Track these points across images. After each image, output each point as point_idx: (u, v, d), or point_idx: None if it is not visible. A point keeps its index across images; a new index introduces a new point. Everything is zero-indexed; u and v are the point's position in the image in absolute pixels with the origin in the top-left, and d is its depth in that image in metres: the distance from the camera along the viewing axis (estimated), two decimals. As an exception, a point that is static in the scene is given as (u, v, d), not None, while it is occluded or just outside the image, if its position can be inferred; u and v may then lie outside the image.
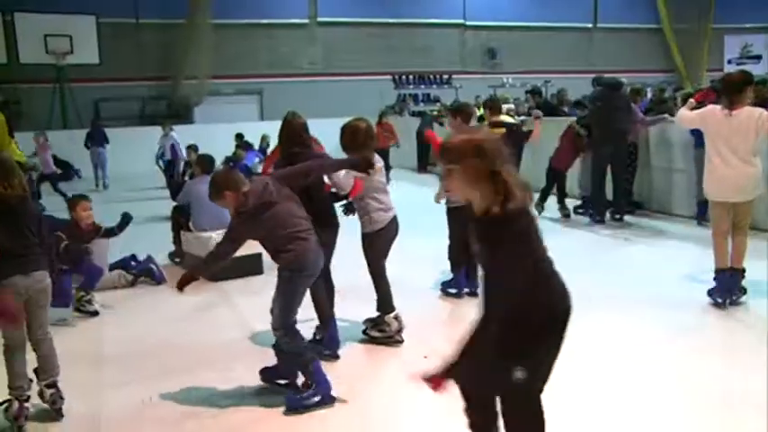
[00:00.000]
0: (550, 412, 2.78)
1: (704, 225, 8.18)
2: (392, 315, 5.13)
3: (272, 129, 18.77)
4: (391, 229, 5.08)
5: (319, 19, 24.66)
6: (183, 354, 5.12)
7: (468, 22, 26.04)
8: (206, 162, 8.20)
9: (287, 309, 4.12)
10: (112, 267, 7.02)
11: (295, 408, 4.09)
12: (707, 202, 7.78)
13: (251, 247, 6.89)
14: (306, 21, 24.56)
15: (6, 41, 19.21)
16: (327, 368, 4.39)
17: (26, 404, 4.02)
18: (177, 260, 7.94)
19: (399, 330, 5.13)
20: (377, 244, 5.06)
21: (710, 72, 23.44)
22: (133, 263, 7.20)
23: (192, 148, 11.95)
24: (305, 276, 4.17)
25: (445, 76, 25.80)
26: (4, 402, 4.06)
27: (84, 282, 6.19)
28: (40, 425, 4.07)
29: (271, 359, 4.42)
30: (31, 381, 4.09)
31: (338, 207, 5.21)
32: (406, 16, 25.11)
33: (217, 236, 7.04)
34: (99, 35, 19.85)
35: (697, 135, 8.01)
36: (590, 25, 27.43)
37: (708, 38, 26.46)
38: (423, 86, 25.71)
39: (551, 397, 2.78)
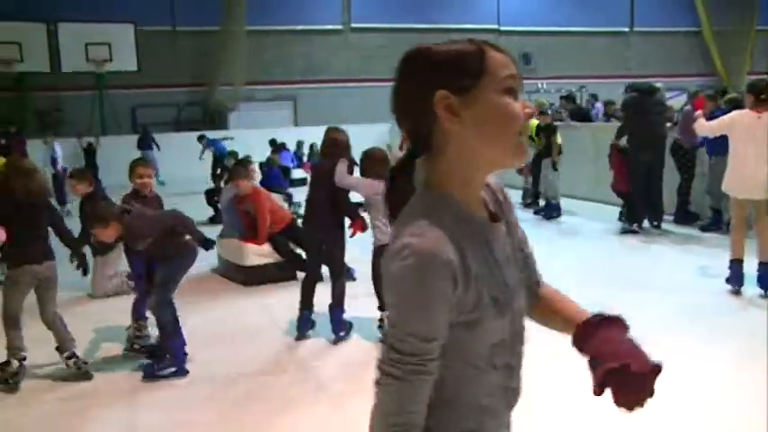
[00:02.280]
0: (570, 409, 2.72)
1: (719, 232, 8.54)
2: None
3: (307, 134, 19.06)
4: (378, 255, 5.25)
5: (353, 25, 24.76)
6: (212, 360, 5.12)
7: (502, 27, 25.91)
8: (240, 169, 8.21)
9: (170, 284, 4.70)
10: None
11: (150, 376, 4.62)
12: (719, 211, 8.55)
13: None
14: (340, 27, 24.68)
15: (50, 51, 19.65)
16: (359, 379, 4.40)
17: (23, 363, 4.60)
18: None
19: None
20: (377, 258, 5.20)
21: (753, 75, 22.88)
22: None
23: (231, 154, 12.00)
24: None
25: (481, 82, 25.70)
26: (3, 363, 4.59)
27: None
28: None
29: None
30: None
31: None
32: (440, 22, 25.05)
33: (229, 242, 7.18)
34: (137, 43, 20.19)
35: (710, 145, 8.40)
36: (626, 29, 27.08)
37: (752, 40, 25.88)
38: (457, 91, 25.63)
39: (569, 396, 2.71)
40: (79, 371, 4.67)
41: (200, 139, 15.54)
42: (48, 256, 4.64)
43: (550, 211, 10.57)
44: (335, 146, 5.39)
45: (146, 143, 18.19)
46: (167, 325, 4.69)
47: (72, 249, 4.98)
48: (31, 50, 19.30)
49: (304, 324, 5.43)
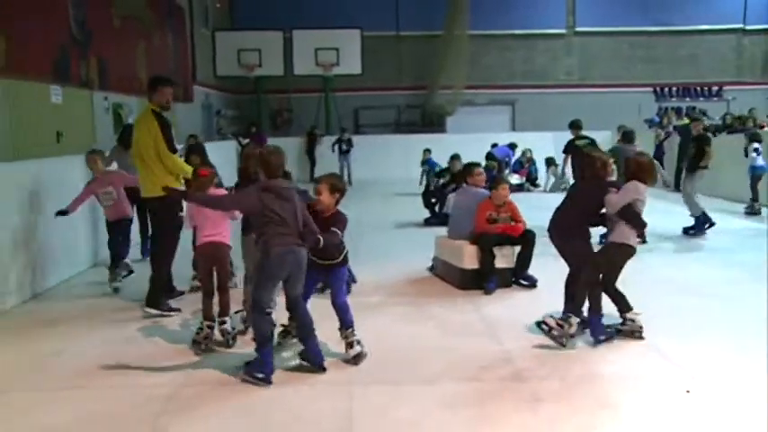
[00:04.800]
0: None
1: None
2: (576, 319, 5.18)
3: (524, 140, 18.74)
4: (624, 251, 5.20)
5: (577, 29, 23.93)
6: (424, 361, 5.03)
7: (747, 26, 23.55)
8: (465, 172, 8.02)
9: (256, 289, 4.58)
10: None
11: (246, 374, 4.53)
12: None
13: (504, 260, 6.82)
14: (563, 31, 23.96)
15: (285, 56, 21.11)
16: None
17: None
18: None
19: (570, 335, 5.17)
20: (610, 250, 5.25)
21: None
22: None
23: (456, 157, 11.98)
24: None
25: (715, 88, 23.63)
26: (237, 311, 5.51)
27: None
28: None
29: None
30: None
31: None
32: (673, 24, 23.41)
33: (460, 244, 7.00)
34: (362, 47, 21.01)
35: None
36: None
37: None
38: (687, 99, 23.81)
39: None
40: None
41: (424, 164, 15.25)
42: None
43: (697, 227, 9.69)
44: (593, 167, 5.36)
45: (346, 149, 19.18)
46: (256, 330, 4.58)
47: None
48: (268, 56, 20.86)
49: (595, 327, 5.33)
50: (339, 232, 4.81)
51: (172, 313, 6.12)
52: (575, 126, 11.08)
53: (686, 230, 9.73)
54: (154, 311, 6.07)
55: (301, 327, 4.74)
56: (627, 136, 10.17)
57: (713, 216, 9.73)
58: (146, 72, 13.40)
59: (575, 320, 5.14)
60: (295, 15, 21.64)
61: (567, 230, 5.39)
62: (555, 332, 5.17)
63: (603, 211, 5.27)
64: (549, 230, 5.52)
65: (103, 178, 7.01)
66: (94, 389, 4.53)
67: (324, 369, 4.69)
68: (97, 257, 8.47)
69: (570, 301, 5.33)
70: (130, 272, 7.10)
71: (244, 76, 21.01)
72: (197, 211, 5.25)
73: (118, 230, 7.17)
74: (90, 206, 7.93)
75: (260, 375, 4.48)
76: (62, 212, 6.75)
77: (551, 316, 5.31)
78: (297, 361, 4.80)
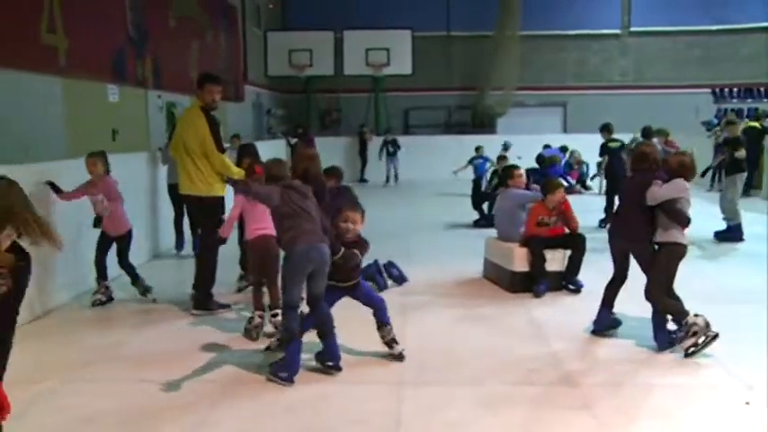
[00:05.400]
0: None
1: None
2: (692, 314, 4.98)
3: (575, 141, 18.39)
4: (675, 250, 5.07)
5: (632, 29, 23.45)
6: (474, 363, 4.97)
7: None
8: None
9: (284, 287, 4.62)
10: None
11: (271, 374, 4.55)
12: None
13: (554, 263, 6.71)
14: (618, 31, 23.51)
15: (335, 56, 21.19)
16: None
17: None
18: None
19: (708, 324, 4.94)
20: (662, 253, 5.11)
21: None
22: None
23: (503, 157, 11.88)
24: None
25: (780, 88, 22.85)
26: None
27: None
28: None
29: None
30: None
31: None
32: (734, 22, 22.71)
33: (510, 246, 6.92)
34: (413, 48, 20.94)
35: None
36: None
37: None
38: (749, 100, 23.03)
39: None
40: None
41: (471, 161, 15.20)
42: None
43: (731, 234, 9.44)
44: (645, 161, 5.29)
45: (393, 150, 19.04)
46: (285, 327, 4.61)
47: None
48: (319, 56, 20.97)
49: (601, 320, 5.46)
50: (359, 254, 4.81)
51: (222, 310, 6.15)
52: (606, 129, 11.43)
53: (717, 235, 9.51)
54: (203, 312, 6.07)
55: (321, 324, 4.69)
56: (644, 132, 10.97)
57: (759, 218, 9.47)
58: (198, 71, 13.57)
59: (690, 318, 4.92)
60: (346, 16, 21.70)
61: (629, 232, 5.27)
62: (700, 340, 4.89)
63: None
64: (609, 232, 5.46)
65: (98, 184, 6.31)
66: (139, 383, 4.58)
67: (340, 369, 4.66)
68: (158, 248, 8.83)
69: (609, 305, 5.42)
70: (110, 298, 6.55)
71: (294, 75, 21.16)
72: (251, 204, 5.45)
73: (112, 246, 6.54)
74: (150, 200, 8.28)
75: (284, 375, 4.50)
76: (53, 186, 6.11)
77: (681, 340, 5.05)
78: (313, 363, 4.74)
